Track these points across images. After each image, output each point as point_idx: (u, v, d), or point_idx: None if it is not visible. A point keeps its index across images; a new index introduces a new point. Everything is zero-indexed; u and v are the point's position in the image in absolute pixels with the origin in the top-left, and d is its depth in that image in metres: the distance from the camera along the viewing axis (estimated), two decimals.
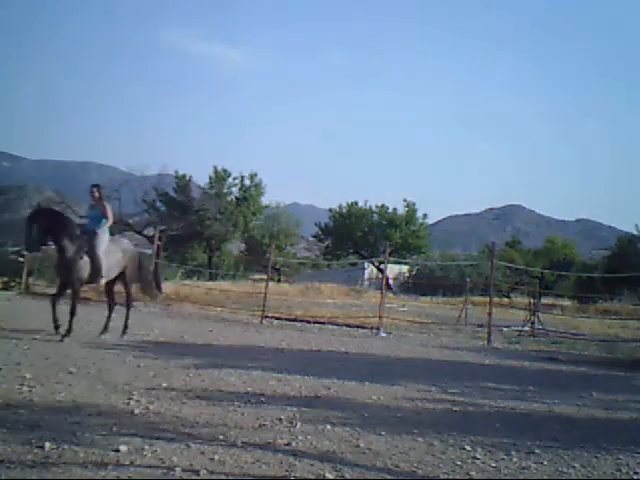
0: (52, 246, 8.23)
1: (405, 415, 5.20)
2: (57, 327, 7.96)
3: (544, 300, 26.95)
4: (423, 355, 9.71)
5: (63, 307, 8.27)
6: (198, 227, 35.48)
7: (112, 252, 8.48)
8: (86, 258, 8.11)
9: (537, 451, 4.28)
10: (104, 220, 8.45)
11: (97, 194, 8.64)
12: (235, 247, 44.38)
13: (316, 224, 44.92)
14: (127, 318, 8.90)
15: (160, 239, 17.10)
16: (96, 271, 8.23)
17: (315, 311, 16.30)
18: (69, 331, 7.90)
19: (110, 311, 8.90)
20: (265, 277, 17.62)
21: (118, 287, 9.22)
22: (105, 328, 8.64)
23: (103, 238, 8.37)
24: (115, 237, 9.70)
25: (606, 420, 5.65)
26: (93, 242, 8.20)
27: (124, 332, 8.69)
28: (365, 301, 22.56)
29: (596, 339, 13.33)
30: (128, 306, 9.05)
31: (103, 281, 8.52)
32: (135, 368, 6.37)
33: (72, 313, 8.02)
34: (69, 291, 8.33)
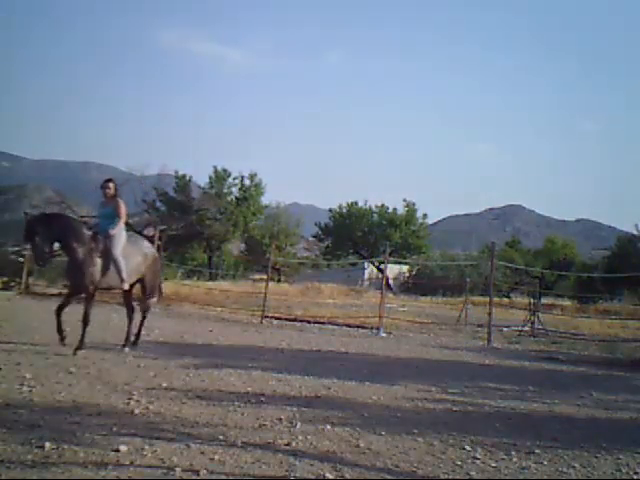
0: (62, 252, 7.46)
1: (405, 415, 5.20)
2: (63, 338, 7.17)
3: (544, 300, 26.98)
4: (423, 355, 9.70)
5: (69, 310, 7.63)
6: (198, 227, 35.47)
7: (131, 255, 7.59)
8: (99, 260, 7.26)
9: (537, 451, 4.28)
10: (117, 219, 7.55)
11: (112, 190, 7.70)
12: (235, 247, 44.39)
13: (316, 224, 45.02)
14: (140, 330, 8.01)
15: (160, 239, 17.07)
16: (117, 275, 7.38)
17: (315, 311, 16.30)
18: (82, 342, 7.06)
19: (130, 319, 7.98)
20: (265, 277, 17.62)
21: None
22: (127, 339, 7.80)
23: (119, 239, 7.48)
24: (133, 237, 8.47)
25: (606, 420, 5.65)
26: (109, 244, 7.34)
27: (135, 343, 7.86)
28: (365, 301, 22.56)
29: (596, 339, 13.34)
30: (144, 315, 8.11)
31: (126, 286, 7.61)
32: (135, 368, 6.38)
33: (85, 322, 7.20)
34: (83, 296, 7.42)
